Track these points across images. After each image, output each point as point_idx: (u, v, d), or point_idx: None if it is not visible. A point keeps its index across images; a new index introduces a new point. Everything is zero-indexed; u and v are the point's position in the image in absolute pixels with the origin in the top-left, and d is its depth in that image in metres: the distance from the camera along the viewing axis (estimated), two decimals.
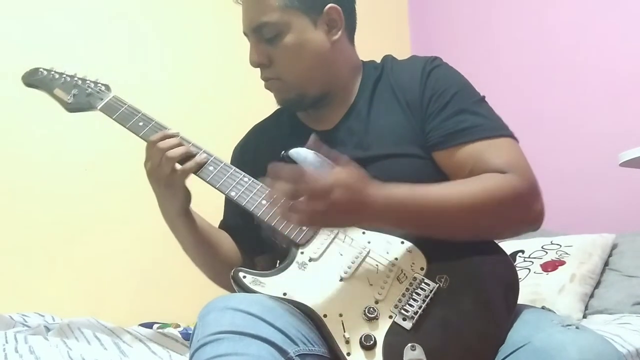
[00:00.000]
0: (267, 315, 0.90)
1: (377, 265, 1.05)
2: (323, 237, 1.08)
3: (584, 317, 1.83)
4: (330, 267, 1.04)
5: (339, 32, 1.23)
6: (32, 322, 1.54)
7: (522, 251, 2.09)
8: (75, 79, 1.29)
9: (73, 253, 2.26)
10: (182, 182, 1.17)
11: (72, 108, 1.27)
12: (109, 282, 2.31)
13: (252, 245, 1.30)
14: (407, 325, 0.97)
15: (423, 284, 1.02)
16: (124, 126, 1.21)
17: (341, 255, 1.05)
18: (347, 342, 0.95)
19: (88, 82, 1.28)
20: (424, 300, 1.00)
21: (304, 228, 1.07)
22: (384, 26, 3.02)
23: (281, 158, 1.16)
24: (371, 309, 0.98)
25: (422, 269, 1.04)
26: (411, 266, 1.04)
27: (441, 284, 1.02)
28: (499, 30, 2.85)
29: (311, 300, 0.99)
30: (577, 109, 2.49)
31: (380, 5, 3.07)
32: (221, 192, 1.15)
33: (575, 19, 2.54)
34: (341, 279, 1.03)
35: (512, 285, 1.06)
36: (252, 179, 1.14)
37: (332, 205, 0.96)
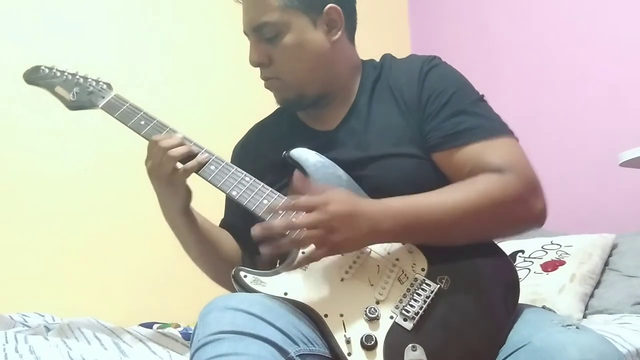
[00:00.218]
0: (268, 315, 0.90)
1: (378, 265, 1.05)
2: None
3: (584, 317, 1.83)
4: (332, 267, 1.04)
5: (339, 32, 1.23)
6: (32, 322, 1.54)
7: (522, 251, 2.10)
8: (77, 77, 1.29)
9: (73, 253, 2.26)
10: (183, 181, 1.17)
11: (73, 106, 1.27)
12: (109, 282, 2.31)
13: (253, 245, 1.30)
14: (408, 325, 0.97)
15: (424, 284, 1.02)
16: (126, 125, 1.21)
17: (342, 255, 1.05)
18: (348, 342, 0.95)
19: (90, 80, 1.29)
20: (424, 301, 1.00)
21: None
22: (384, 26, 3.02)
23: (282, 158, 1.16)
24: (372, 309, 0.98)
25: (423, 269, 1.04)
26: (412, 267, 1.04)
27: (442, 285, 1.02)
28: (498, 30, 2.85)
29: (312, 300, 0.99)
30: (577, 109, 2.49)
31: (380, 5, 3.07)
32: (222, 191, 1.15)
33: (575, 18, 2.54)
34: (342, 279, 1.03)
35: (512, 285, 1.06)
36: (253, 178, 1.14)
37: (332, 215, 0.98)
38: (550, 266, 1.96)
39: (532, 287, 1.89)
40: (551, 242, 2.08)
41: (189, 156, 1.15)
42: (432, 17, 3.20)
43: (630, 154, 1.80)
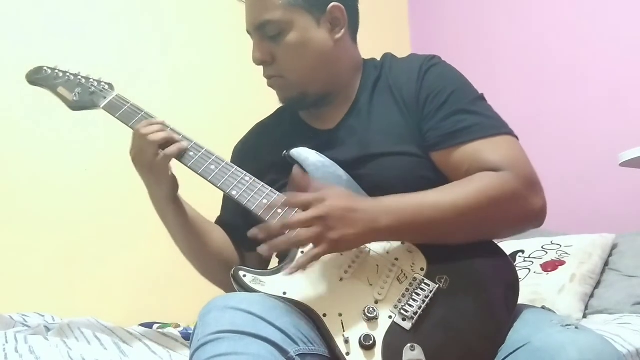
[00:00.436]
0: (268, 315, 0.90)
1: (377, 265, 1.05)
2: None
3: (584, 317, 1.82)
4: (331, 267, 1.04)
5: (342, 31, 1.23)
6: (32, 322, 1.54)
7: (522, 251, 2.09)
8: (79, 77, 1.30)
9: (73, 253, 2.26)
10: (164, 166, 1.17)
11: (75, 106, 1.28)
12: (109, 282, 2.31)
13: (249, 243, 1.30)
14: (407, 325, 0.97)
15: (423, 284, 1.02)
16: (127, 125, 1.22)
17: (341, 254, 1.05)
18: (347, 341, 0.95)
19: (91, 80, 1.29)
20: (423, 301, 1.00)
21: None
22: (384, 26, 3.02)
23: (282, 158, 1.16)
24: (371, 309, 0.98)
25: (422, 269, 1.04)
26: (411, 266, 1.04)
27: (441, 285, 1.02)
28: (498, 30, 2.85)
29: (311, 300, 0.99)
30: (577, 109, 2.49)
31: (380, 5, 3.07)
32: (222, 190, 1.15)
33: (575, 18, 2.54)
34: (341, 279, 1.03)
35: (512, 285, 1.06)
36: (253, 178, 1.14)
37: (328, 212, 0.98)
38: (550, 266, 1.96)
39: (532, 287, 1.89)
40: (551, 242, 2.08)
41: (169, 142, 1.16)
42: (432, 17, 3.20)
43: (630, 154, 1.80)
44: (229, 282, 1.04)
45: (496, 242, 1.12)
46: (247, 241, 1.29)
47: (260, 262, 1.31)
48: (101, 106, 1.25)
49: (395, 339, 0.96)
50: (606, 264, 1.99)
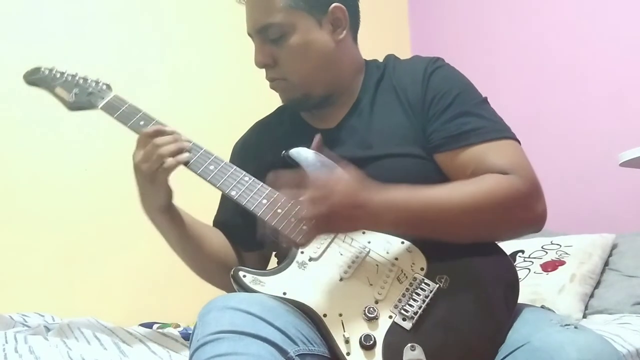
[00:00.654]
0: (267, 315, 0.90)
1: (377, 265, 1.05)
2: (323, 237, 1.08)
3: (584, 317, 1.82)
4: (331, 267, 1.04)
5: (344, 32, 1.23)
6: (32, 322, 1.54)
7: (522, 251, 2.09)
8: (77, 78, 1.29)
9: (73, 253, 2.26)
10: (164, 179, 1.16)
11: (73, 107, 1.28)
12: (109, 282, 2.30)
13: (247, 244, 1.30)
14: (407, 325, 0.97)
15: (423, 284, 1.02)
16: (125, 125, 1.22)
17: (341, 254, 1.06)
18: (347, 341, 0.95)
19: (89, 81, 1.29)
20: (423, 301, 1.00)
21: (304, 227, 1.07)
22: (384, 26, 3.02)
23: (282, 158, 1.16)
24: (371, 309, 0.98)
25: (422, 269, 1.04)
26: (411, 266, 1.04)
27: (441, 284, 1.02)
28: (498, 30, 2.85)
29: (311, 300, 0.99)
30: (577, 109, 2.49)
31: (380, 5, 3.07)
32: (222, 191, 1.15)
33: (575, 18, 2.54)
34: (341, 279, 1.03)
35: (512, 285, 1.06)
36: (253, 178, 1.14)
37: (333, 207, 0.97)
38: (550, 266, 1.96)
39: (532, 287, 1.89)
40: (551, 242, 2.08)
41: (178, 153, 1.15)
42: (432, 17, 3.20)
43: (630, 154, 1.80)
44: (229, 283, 1.04)
45: (496, 242, 1.12)
46: (245, 241, 1.30)
47: (259, 262, 1.31)
48: (99, 106, 1.25)
49: (396, 338, 0.95)
50: (606, 264, 1.99)
